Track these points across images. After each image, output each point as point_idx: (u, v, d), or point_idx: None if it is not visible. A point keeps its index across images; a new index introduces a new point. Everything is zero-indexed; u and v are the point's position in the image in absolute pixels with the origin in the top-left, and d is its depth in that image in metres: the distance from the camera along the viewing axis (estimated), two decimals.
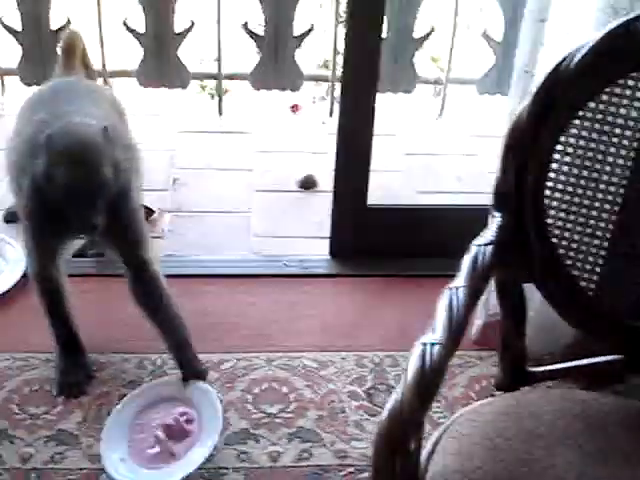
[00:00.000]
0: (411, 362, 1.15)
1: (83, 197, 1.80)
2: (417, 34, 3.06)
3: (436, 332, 1.19)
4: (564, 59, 1.32)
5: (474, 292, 1.28)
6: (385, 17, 2.17)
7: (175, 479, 1.85)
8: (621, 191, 1.36)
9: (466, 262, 1.32)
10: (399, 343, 2.23)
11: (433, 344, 1.17)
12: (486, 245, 1.35)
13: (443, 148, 3.16)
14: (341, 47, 3.03)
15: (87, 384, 2.10)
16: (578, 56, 1.31)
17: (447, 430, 1.41)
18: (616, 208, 1.37)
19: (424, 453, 1.35)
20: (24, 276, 2.32)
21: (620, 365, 1.53)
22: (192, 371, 2.06)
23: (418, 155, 3.08)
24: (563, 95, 1.33)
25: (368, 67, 2.19)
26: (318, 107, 3.62)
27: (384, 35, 2.46)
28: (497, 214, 1.40)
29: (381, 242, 2.46)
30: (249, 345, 2.21)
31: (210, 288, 2.35)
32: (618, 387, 1.71)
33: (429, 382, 1.13)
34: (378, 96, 2.25)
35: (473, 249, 1.34)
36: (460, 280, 1.29)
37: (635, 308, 1.43)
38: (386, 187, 2.78)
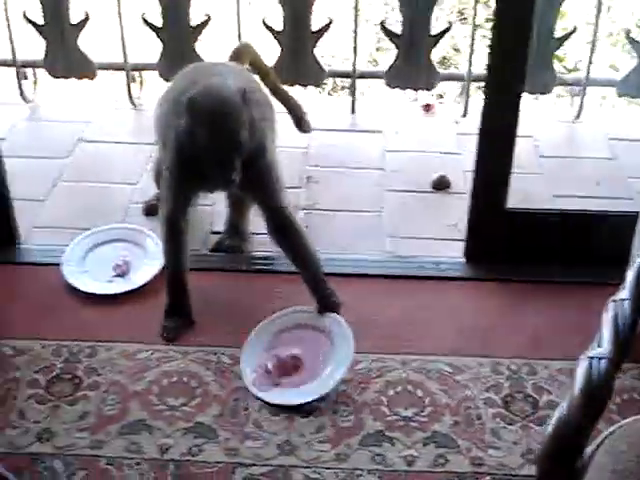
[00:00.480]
0: (577, 377, 1.12)
1: (222, 156, 1.99)
2: (557, 33, 2.99)
3: (602, 346, 1.16)
4: None
5: None
6: None
7: (308, 398, 2.03)
8: None
9: (631, 274, 1.28)
10: (537, 351, 2.18)
11: (600, 359, 1.13)
12: None
13: (580, 151, 3.08)
14: (478, 46, 3.03)
15: (184, 330, 2.23)
16: None
17: (601, 445, 1.36)
18: None
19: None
20: (164, 268, 2.37)
21: None
22: (327, 303, 2.22)
23: (555, 158, 3.00)
24: None
25: (515, 67, 2.14)
26: (450, 107, 3.58)
27: None
28: None
29: (519, 246, 2.41)
30: (383, 346, 2.19)
31: (344, 287, 2.34)
32: None
33: (597, 399, 1.10)
34: None
35: (638, 261, 1.30)
36: (625, 292, 1.25)
37: None
38: (521, 190, 2.71)
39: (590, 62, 3.06)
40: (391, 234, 2.63)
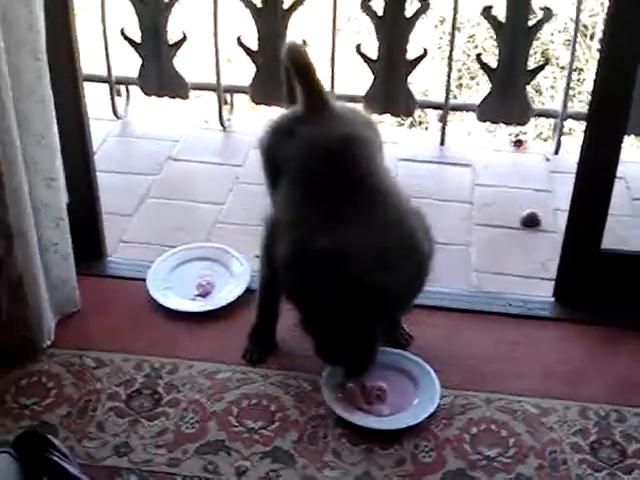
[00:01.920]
0: None
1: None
2: None
3: None
4: None
5: None
6: None
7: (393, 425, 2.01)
8: None
9: None
10: (627, 398, 2.11)
11: None
12: None
13: None
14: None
15: (267, 354, 2.21)
16: None
17: None
18: None
19: None
20: (248, 290, 2.36)
21: None
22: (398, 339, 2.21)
23: None
24: None
25: (619, 106, 2.09)
26: (540, 143, 3.52)
27: None
28: None
29: (611, 289, 2.34)
30: (467, 382, 2.14)
31: (429, 320, 2.31)
32: None
33: None
34: None
35: None
36: None
37: None
38: (613, 232, 2.65)
39: None
40: (478, 269, 2.58)
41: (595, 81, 2.12)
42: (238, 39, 3.06)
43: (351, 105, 2.20)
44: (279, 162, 2.08)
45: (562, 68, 3.48)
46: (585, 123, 2.24)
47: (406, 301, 2.01)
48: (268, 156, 2.15)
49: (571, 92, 3.78)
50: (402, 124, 3.72)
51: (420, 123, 3.97)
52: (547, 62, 3.00)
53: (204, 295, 2.38)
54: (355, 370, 2.01)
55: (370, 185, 1.99)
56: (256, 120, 3.41)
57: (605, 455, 1.98)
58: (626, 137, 3.05)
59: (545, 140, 3.61)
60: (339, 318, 1.88)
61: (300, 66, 2.09)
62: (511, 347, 2.26)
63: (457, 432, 2.02)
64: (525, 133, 3.57)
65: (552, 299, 2.41)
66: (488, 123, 3.27)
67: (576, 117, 3.16)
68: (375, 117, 2.68)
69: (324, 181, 1.97)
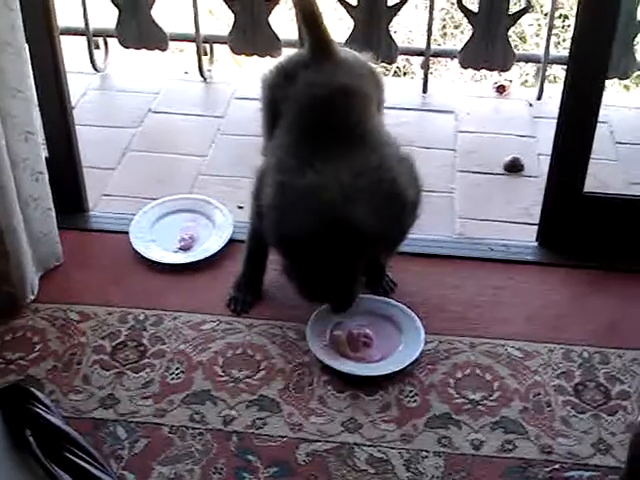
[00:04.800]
0: None
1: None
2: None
3: None
4: None
5: None
6: None
7: (377, 372, 2.02)
8: None
9: None
10: (610, 339, 2.12)
11: None
12: None
13: None
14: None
15: (253, 303, 2.21)
16: None
17: None
18: None
19: None
20: (231, 241, 2.35)
21: None
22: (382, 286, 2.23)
23: (631, 145, 2.92)
24: None
25: (599, 51, 2.07)
26: (524, 89, 3.50)
27: None
28: None
29: (594, 233, 2.34)
30: (452, 328, 2.15)
31: (413, 267, 2.31)
32: None
33: None
34: None
35: None
36: None
37: None
38: (596, 176, 2.64)
39: None
40: (461, 215, 2.58)
41: (575, 23, 2.10)
42: None
43: (358, 53, 2.19)
44: (278, 104, 2.09)
45: (546, 15, 3.44)
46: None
47: (385, 241, 2.00)
48: (268, 96, 2.16)
49: (556, 39, 3.77)
50: (386, 74, 3.68)
51: (405, 74, 3.94)
52: (529, 6, 2.96)
53: (186, 249, 2.37)
54: (339, 304, 2.01)
55: (359, 134, 2.00)
56: (238, 71, 3.38)
57: (589, 397, 1.99)
58: (611, 81, 3.08)
59: (529, 87, 3.58)
60: (319, 253, 1.89)
61: (306, 12, 2.08)
62: (495, 292, 2.26)
63: (442, 377, 2.03)
64: (511, 81, 3.55)
65: (535, 243, 2.42)
66: (474, 72, 3.24)
67: (560, 62, 3.12)
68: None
69: (315, 128, 1.98)
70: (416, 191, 2.05)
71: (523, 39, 3.92)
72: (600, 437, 1.90)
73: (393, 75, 3.81)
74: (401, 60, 3.67)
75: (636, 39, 2.96)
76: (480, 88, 3.34)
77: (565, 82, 2.20)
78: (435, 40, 3.89)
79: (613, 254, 2.35)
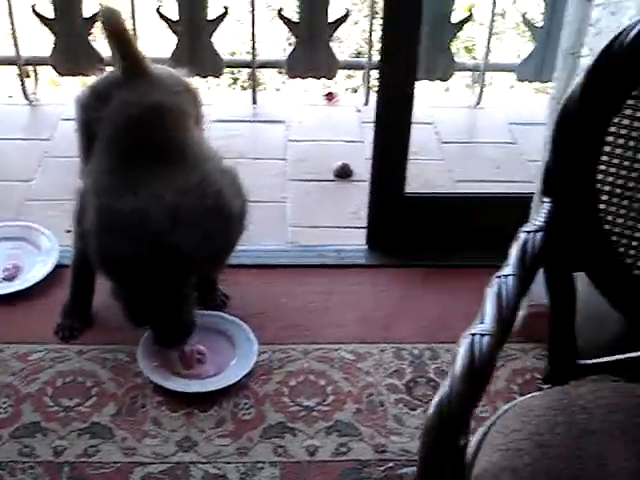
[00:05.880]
0: (459, 353, 1.09)
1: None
2: (454, 19, 2.99)
3: (485, 322, 1.14)
4: (616, 37, 1.26)
5: (524, 281, 1.23)
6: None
7: (210, 387, 2.01)
8: None
9: (515, 250, 1.27)
10: (439, 335, 2.17)
11: (482, 335, 1.11)
12: (536, 232, 1.29)
13: (481, 136, 3.09)
14: (377, 34, 3.01)
15: (82, 329, 2.16)
16: (632, 34, 1.25)
17: (493, 425, 1.35)
18: None
19: (469, 449, 1.30)
20: (57, 267, 2.29)
21: None
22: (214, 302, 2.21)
23: (456, 144, 3.01)
24: (616, 74, 1.26)
25: (406, 54, 2.13)
26: (352, 96, 3.56)
27: None
28: (547, 200, 1.34)
29: (419, 232, 2.40)
30: (285, 336, 2.16)
31: (245, 279, 2.31)
32: None
33: (479, 374, 1.07)
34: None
35: (522, 236, 1.29)
36: (509, 268, 1.24)
37: None
38: (423, 176, 2.72)
39: (488, 47, 3.08)
40: (293, 224, 2.60)
41: (382, 28, 2.14)
42: (33, 8, 2.94)
43: (173, 70, 2.16)
44: (92, 125, 2.05)
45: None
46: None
47: (212, 258, 2.00)
48: (83, 117, 2.12)
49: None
50: (209, 87, 3.66)
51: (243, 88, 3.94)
52: (347, 14, 3.00)
53: (11, 279, 2.29)
54: (167, 334, 1.99)
55: (178, 151, 1.98)
56: (63, 92, 3.31)
57: (420, 393, 2.03)
58: (434, 83, 3.16)
59: (355, 91, 3.64)
60: (143, 278, 1.87)
61: (114, 32, 2.05)
62: (327, 297, 2.29)
63: (276, 386, 2.03)
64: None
65: (365, 247, 2.46)
66: (304, 82, 3.27)
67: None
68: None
69: (131, 148, 1.95)
70: (241, 202, 2.05)
71: (468, 49, 3.91)
72: None
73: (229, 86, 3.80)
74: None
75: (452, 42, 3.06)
76: (310, 97, 3.37)
77: (379, 86, 2.24)
78: (285, 50, 3.92)
79: (436, 251, 2.40)
